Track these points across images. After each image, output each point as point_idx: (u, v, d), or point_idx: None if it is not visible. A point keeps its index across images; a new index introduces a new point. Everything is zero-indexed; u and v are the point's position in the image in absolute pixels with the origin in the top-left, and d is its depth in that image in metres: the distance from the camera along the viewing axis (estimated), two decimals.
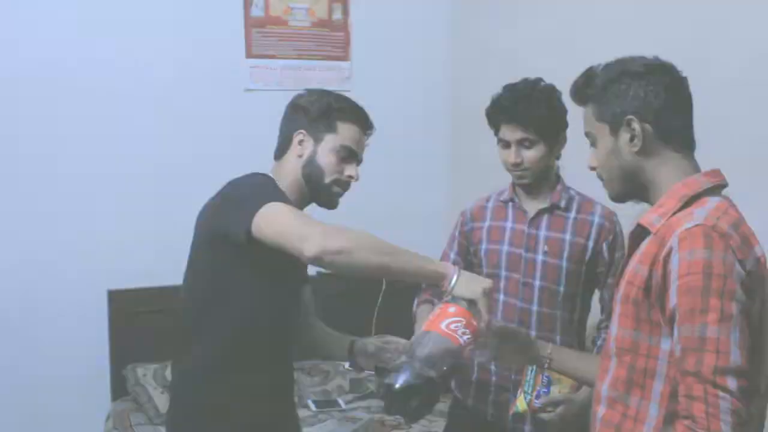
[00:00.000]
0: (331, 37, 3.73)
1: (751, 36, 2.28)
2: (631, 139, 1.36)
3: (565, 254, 2.04)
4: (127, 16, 3.34)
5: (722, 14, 2.38)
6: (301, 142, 1.81)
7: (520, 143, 2.00)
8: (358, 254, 1.50)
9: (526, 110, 1.97)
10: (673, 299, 1.22)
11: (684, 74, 1.40)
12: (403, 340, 1.81)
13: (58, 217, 3.29)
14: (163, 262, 3.07)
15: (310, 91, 1.88)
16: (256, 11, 3.57)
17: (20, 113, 3.22)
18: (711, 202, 1.31)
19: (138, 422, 3.06)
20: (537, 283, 2.06)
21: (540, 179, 2.06)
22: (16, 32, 3.19)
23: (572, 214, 2.07)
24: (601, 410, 1.39)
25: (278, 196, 1.68)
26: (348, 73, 3.74)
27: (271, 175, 1.84)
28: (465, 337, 1.42)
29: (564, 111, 2.02)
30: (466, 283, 1.50)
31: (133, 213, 3.38)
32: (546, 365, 1.65)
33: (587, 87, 1.42)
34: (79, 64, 3.27)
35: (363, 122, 1.84)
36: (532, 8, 3.35)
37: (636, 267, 1.33)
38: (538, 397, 1.81)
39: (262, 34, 3.59)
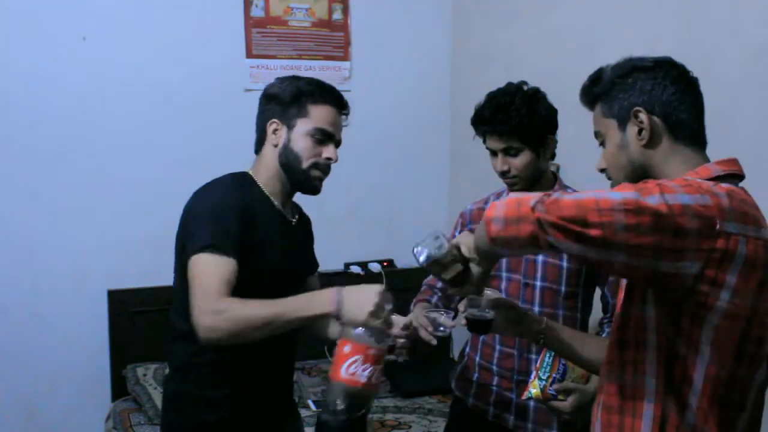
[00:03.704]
0: (331, 37, 3.73)
1: (748, 36, 2.28)
2: (639, 132, 1.34)
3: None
4: (128, 16, 3.35)
5: (722, 14, 2.38)
6: (275, 131, 1.78)
7: (505, 152, 2.00)
8: (241, 335, 1.56)
9: (506, 120, 1.96)
10: None
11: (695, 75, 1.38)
12: (399, 318, 1.81)
13: (58, 217, 3.29)
14: (163, 262, 3.05)
15: (281, 79, 1.84)
16: (256, 11, 3.57)
17: (20, 114, 3.22)
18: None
19: (138, 422, 3.06)
20: (538, 283, 2.06)
21: (532, 183, 2.05)
22: (15, 32, 3.19)
23: None
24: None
25: (222, 232, 1.64)
26: (348, 73, 3.75)
27: (250, 171, 1.82)
28: (365, 372, 1.52)
29: (551, 113, 2.00)
30: (353, 308, 1.54)
31: (132, 213, 3.38)
32: (540, 341, 1.65)
33: (595, 85, 1.40)
34: (79, 64, 3.28)
35: (336, 102, 1.80)
36: (531, 10, 3.35)
37: None
38: (552, 383, 1.81)
39: (262, 34, 3.59)
